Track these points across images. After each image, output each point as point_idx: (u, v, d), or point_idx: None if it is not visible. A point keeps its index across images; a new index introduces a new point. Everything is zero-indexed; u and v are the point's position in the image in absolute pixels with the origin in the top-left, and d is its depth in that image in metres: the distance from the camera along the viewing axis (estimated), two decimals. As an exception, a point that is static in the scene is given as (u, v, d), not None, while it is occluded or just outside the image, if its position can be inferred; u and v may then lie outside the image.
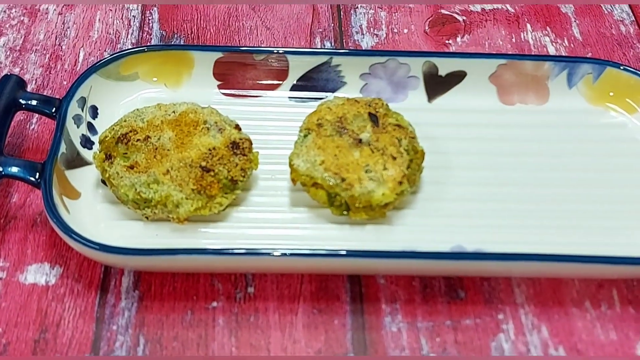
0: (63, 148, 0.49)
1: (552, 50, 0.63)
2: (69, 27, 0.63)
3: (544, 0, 0.67)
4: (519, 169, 0.52)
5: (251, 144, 0.50)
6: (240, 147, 0.49)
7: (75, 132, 0.51)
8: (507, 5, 0.66)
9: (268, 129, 0.54)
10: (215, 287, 0.47)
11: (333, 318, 0.46)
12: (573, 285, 0.47)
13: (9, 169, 0.47)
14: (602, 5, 0.67)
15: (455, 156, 0.53)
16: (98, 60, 0.55)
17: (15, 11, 0.64)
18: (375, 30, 0.64)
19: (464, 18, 0.65)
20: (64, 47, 0.61)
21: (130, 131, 0.49)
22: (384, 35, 0.64)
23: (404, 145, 0.49)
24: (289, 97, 0.56)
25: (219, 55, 0.55)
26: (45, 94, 0.57)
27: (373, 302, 0.46)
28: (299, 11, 0.65)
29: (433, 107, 0.56)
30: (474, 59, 0.56)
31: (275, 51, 0.55)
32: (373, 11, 0.65)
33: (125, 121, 0.50)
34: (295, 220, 0.49)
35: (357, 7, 0.66)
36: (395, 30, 0.64)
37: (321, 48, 0.62)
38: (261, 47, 0.60)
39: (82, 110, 0.52)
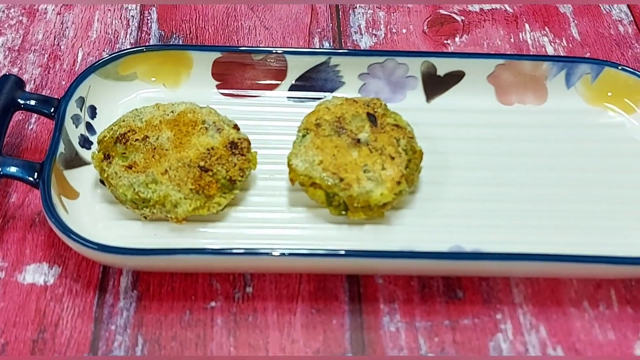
0: (62, 148, 0.49)
1: (550, 50, 0.63)
2: (67, 27, 0.63)
3: (543, 1, 0.67)
4: (517, 169, 0.52)
5: (250, 143, 0.50)
6: (239, 147, 0.49)
7: (73, 132, 0.51)
8: (506, 6, 0.66)
9: (266, 128, 0.54)
10: (213, 287, 0.47)
11: (331, 318, 0.46)
12: (571, 285, 0.47)
13: (8, 168, 0.47)
14: (600, 5, 0.67)
15: (453, 156, 0.53)
16: (97, 60, 0.55)
17: (14, 11, 0.64)
18: (374, 30, 0.64)
19: (463, 18, 0.65)
20: (62, 47, 0.61)
21: (129, 131, 0.49)
22: (383, 35, 0.64)
23: (402, 145, 0.49)
24: (288, 97, 0.56)
25: (217, 55, 0.55)
26: (43, 94, 0.57)
27: (371, 302, 0.46)
28: (298, 11, 0.65)
29: (431, 107, 0.56)
30: (472, 59, 0.56)
31: (273, 51, 0.55)
32: (372, 11, 0.65)
33: (123, 121, 0.50)
34: (293, 220, 0.49)
35: (356, 7, 0.66)
36: (394, 30, 0.64)
37: (320, 48, 0.62)
38: (260, 47, 0.60)
39: (81, 110, 0.52)
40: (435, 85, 0.56)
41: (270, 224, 0.49)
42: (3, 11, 0.64)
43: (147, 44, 0.62)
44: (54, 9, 0.64)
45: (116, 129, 0.49)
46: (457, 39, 0.63)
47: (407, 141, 0.49)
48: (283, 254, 0.44)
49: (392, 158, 0.48)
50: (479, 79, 0.56)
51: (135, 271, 0.47)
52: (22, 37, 0.62)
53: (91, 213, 0.48)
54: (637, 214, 0.50)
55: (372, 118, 0.50)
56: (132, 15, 0.64)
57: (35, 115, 0.55)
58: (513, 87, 0.56)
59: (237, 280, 0.47)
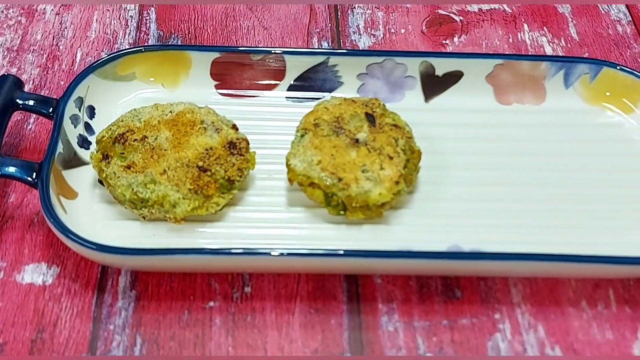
0: (60, 148, 0.49)
1: (549, 50, 0.63)
2: (66, 27, 0.63)
3: (541, 1, 0.67)
4: (515, 169, 0.52)
5: (248, 143, 0.50)
6: (237, 147, 0.49)
7: (72, 132, 0.51)
8: (504, 6, 0.66)
9: (265, 128, 0.54)
10: (212, 286, 0.47)
11: (330, 318, 0.46)
12: (569, 284, 0.48)
13: (6, 168, 0.47)
14: (599, 5, 0.67)
15: (452, 156, 0.53)
16: (95, 60, 0.55)
17: (13, 11, 0.64)
18: (373, 30, 0.64)
19: (461, 18, 0.65)
20: (61, 47, 0.61)
21: (128, 131, 0.49)
22: (381, 35, 0.64)
23: (400, 145, 0.49)
24: (286, 97, 0.56)
25: (216, 55, 0.55)
26: (42, 94, 0.57)
27: (370, 301, 0.46)
28: (297, 11, 0.65)
29: (430, 107, 0.56)
30: (470, 59, 0.56)
31: (272, 51, 0.55)
32: (370, 11, 0.66)
33: (122, 121, 0.50)
34: (292, 220, 0.49)
35: (355, 7, 0.66)
36: (393, 30, 0.64)
37: (318, 48, 0.62)
38: (258, 47, 0.60)
39: (80, 110, 0.52)
40: (433, 85, 0.56)
41: (268, 223, 0.49)
42: (2, 11, 0.64)
43: (145, 44, 0.62)
44: (52, 9, 0.64)
45: (115, 129, 0.49)
46: (455, 39, 0.63)
47: (405, 141, 0.49)
48: (282, 254, 0.44)
49: (391, 158, 0.48)
50: (478, 79, 0.56)
51: (134, 271, 0.47)
52: (20, 37, 0.62)
53: (90, 213, 0.48)
54: (635, 213, 0.50)
55: (370, 118, 0.50)
56: (130, 16, 0.64)
57: (34, 115, 0.55)
58: (511, 87, 0.56)
59: (235, 280, 0.47)
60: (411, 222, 0.49)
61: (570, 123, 0.55)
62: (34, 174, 0.47)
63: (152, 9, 0.65)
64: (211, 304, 0.46)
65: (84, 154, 0.51)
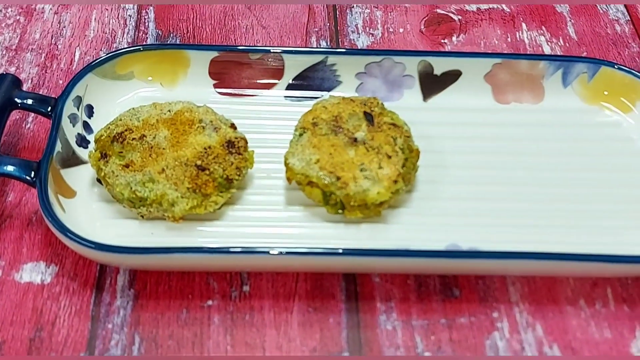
0: (59, 147, 0.49)
1: (547, 50, 0.63)
2: (64, 27, 0.63)
3: (540, 0, 0.67)
4: (514, 168, 0.52)
5: (246, 142, 0.50)
6: (236, 146, 0.49)
7: (70, 131, 0.51)
8: (503, 5, 0.67)
9: (264, 127, 0.54)
10: (210, 285, 0.47)
11: (328, 316, 0.46)
12: (567, 283, 0.48)
13: (5, 167, 0.47)
14: (597, 4, 0.67)
15: (450, 155, 0.53)
16: (94, 59, 0.55)
17: (11, 10, 0.64)
18: (371, 29, 0.64)
19: (460, 17, 0.65)
20: (59, 47, 0.61)
21: (126, 130, 0.49)
22: (380, 34, 0.64)
23: (399, 144, 0.49)
24: (285, 96, 0.56)
25: (214, 54, 0.55)
26: (41, 93, 0.57)
27: (368, 300, 0.47)
28: (295, 10, 0.65)
29: (428, 106, 0.56)
30: (469, 58, 0.56)
31: (271, 50, 0.55)
32: (369, 10, 0.66)
33: (120, 120, 0.50)
34: (290, 218, 0.49)
35: (353, 7, 0.66)
36: (391, 30, 0.64)
37: (317, 47, 0.62)
38: (257, 46, 0.60)
39: (78, 109, 0.52)
40: (432, 84, 0.56)
41: (267, 222, 0.49)
42: (0, 10, 0.64)
43: (144, 43, 0.62)
44: (51, 9, 0.64)
45: (113, 128, 0.49)
46: (454, 38, 0.63)
47: (404, 140, 0.49)
48: (280, 253, 0.44)
49: (389, 157, 0.48)
50: (476, 78, 0.56)
51: (132, 270, 0.47)
52: (19, 36, 0.62)
53: (88, 212, 0.48)
54: (633, 213, 0.50)
55: (369, 117, 0.50)
56: (129, 15, 0.64)
57: (33, 114, 0.55)
58: (510, 86, 0.56)
59: (234, 279, 0.47)
60: (409, 221, 0.49)
61: (569, 122, 0.55)
62: (33, 172, 0.47)
63: (151, 8, 0.65)
64: (209, 302, 0.46)
65: (83, 152, 0.51)
